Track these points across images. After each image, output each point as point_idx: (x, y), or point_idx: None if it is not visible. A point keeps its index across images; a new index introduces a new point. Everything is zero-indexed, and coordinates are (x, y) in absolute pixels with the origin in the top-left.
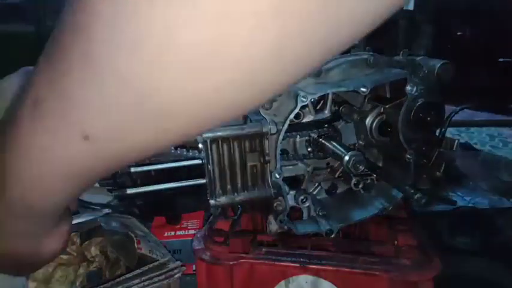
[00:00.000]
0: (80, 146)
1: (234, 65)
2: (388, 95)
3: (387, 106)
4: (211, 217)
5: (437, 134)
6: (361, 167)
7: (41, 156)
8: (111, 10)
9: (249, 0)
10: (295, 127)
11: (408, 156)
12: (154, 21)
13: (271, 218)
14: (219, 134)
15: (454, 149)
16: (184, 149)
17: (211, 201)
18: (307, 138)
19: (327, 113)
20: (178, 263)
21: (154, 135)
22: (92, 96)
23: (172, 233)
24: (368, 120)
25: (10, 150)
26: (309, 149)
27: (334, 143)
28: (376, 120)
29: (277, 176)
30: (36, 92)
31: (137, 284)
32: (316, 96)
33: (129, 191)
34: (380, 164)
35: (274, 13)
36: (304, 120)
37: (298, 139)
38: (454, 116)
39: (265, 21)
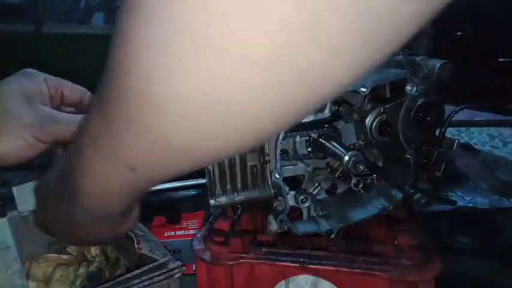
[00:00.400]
0: (128, 173)
1: (233, 123)
2: (388, 95)
3: (387, 106)
4: (211, 217)
5: (437, 134)
6: (361, 167)
7: (102, 178)
8: (142, 84)
9: (242, 70)
10: (295, 127)
11: (408, 156)
12: (171, 95)
13: (271, 218)
14: None
15: (454, 149)
16: None
17: (211, 201)
18: (307, 138)
19: (326, 112)
20: (178, 263)
21: (179, 167)
22: (133, 142)
23: (172, 233)
24: (368, 120)
25: (80, 173)
26: (309, 149)
27: (334, 143)
28: (376, 120)
29: (277, 176)
30: (94, 131)
31: (137, 284)
32: None
33: None
34: (380, 164)
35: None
36: (304, 120)
37: (298, 139)
38: (454, 116)
39: (256, 90)
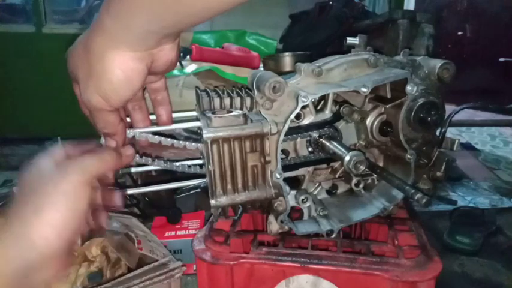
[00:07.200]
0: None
1: None
2: (388, 95)
3: (388, 106)
4: (211, 217)
5: (438, 133)
6: (362, 167)
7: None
8: None
9: None
10: (296, 128)
11: (409, 156)
12: None
13: (271, 218)
14: (219, 134)
15: (455, 148)
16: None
17: (212, 202)
18: (307, 138)
19: (327, 113)
20: (179, 262)
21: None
22: None
23: (173, 233)
24: (369, 120)
25: (116, 15)
26: (310, 149)
27: (334, 143)
28: (377, 120)
29: (278, 176)
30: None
31: (138, 284)
32: (316, 96)
33: (130, 191)
34: (381, 164)
35: None
36: (304, 121)
37: (298, 139)
38: (454, 115)
39: None
